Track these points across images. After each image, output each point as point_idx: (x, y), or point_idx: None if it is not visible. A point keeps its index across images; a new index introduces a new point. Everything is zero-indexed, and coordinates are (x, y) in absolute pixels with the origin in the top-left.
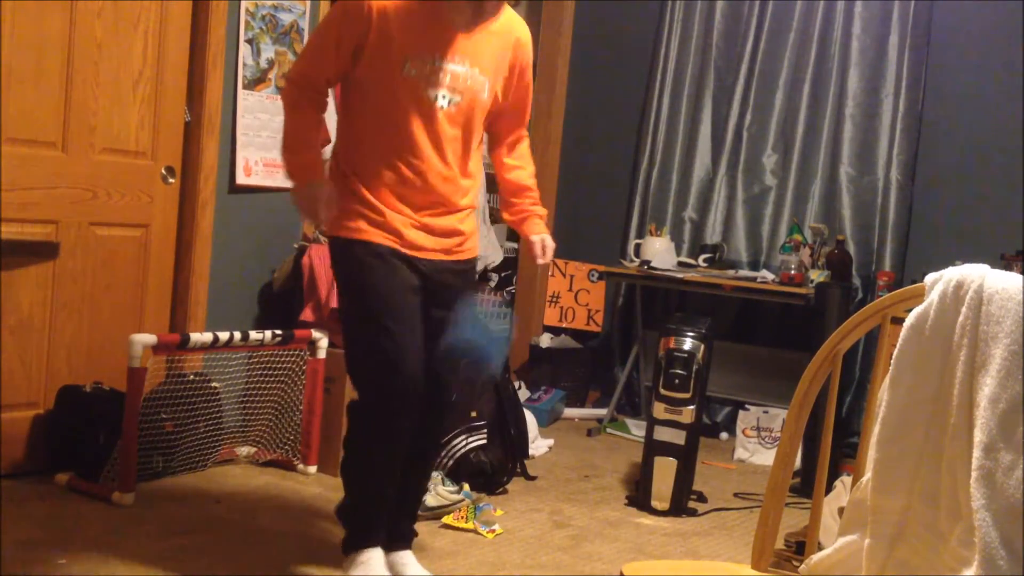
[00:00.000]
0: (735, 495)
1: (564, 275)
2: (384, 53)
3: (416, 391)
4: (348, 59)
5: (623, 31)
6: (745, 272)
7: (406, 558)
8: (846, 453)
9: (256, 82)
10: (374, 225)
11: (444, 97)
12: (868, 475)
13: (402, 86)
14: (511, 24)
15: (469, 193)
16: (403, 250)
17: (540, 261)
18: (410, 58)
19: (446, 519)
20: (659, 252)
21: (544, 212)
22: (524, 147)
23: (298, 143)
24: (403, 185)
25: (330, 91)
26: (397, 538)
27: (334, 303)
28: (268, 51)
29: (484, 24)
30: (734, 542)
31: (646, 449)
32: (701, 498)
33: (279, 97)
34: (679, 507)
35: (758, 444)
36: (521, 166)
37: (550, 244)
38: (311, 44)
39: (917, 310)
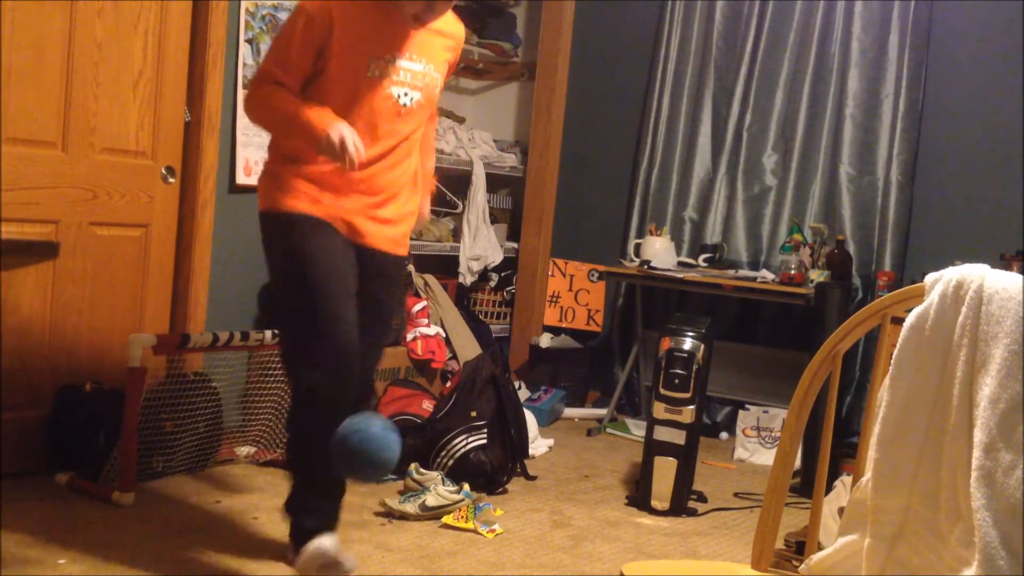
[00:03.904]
0: (735, 495)
1: (564, 275)
2: (349, 54)
3: (355, 360)
4: (311, 62)
5: (623, 31)
6: (745, 272)
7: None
8: (846, 453)
9: None
10: (315, 203)
11: (407, 95)
12: (868, 475)
13: (367, 86)
14: (452, 21)
15: (417, 191)
16: (346, 235)
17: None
18: (374, 59)
19: (446, 519)
20: (659, 252)
21: (433, 186)
22: (432, 124)
23: (295, 116)
24: (355, 178)
25: None
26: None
27: None
28: None
29: (432, 21)
30: (734, 542)
31: (646, 449)
32: (701, 498)
33: None
34: (679, 507)
35: (758, 444)
36: (426, 140)
37: (426, 215)
38: (277, 46)
39: (917, 310)
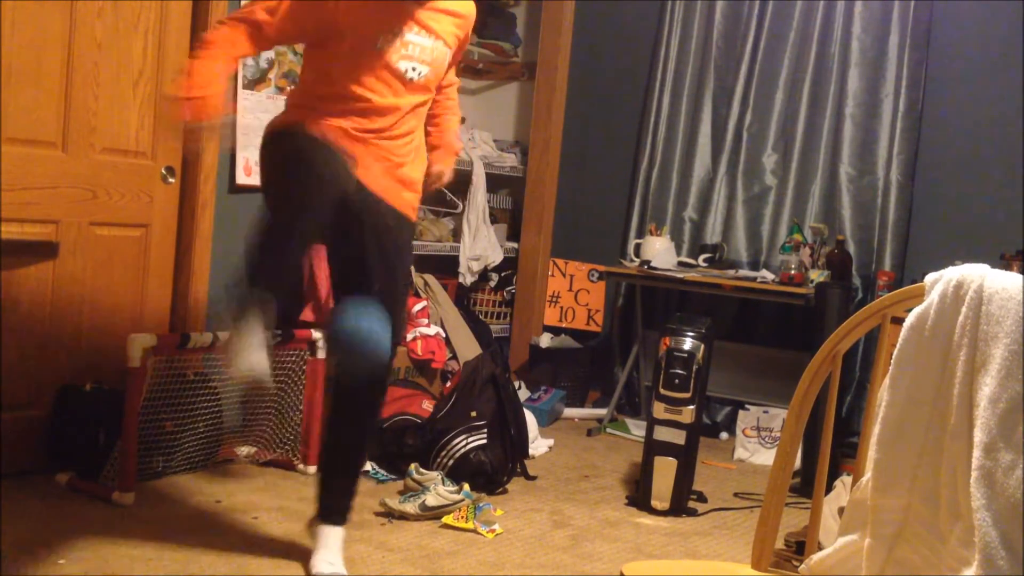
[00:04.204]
0: (735, 495)
1: (564, 275)
2: (358, 29)
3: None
4: (309, 27)
5: (623, 31)
6: (745, 272)
7: (331, 538)
8: (846, 453)
9: (256, 82)
10: (327, 131)
11: (415, 69)
12: (868, 475)
13: (375, 58)
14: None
15: (422, 161)
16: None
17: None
18: (381, 32)
19: (446, 519)
20: (659, 252)
21: (456, 146)
22: (453, 88)
23: (213, 70)
24: (367, 139)
25: None
26: (325, 511)
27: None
28: (268, 51)
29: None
30: (734, 542)
31: (646, 449)
32: (701, 498)
33: (279, 97)
34: (679, 507)
35: (758, 444)
36: (444, 100)
37: (446, 179)
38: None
39: (917, 310)
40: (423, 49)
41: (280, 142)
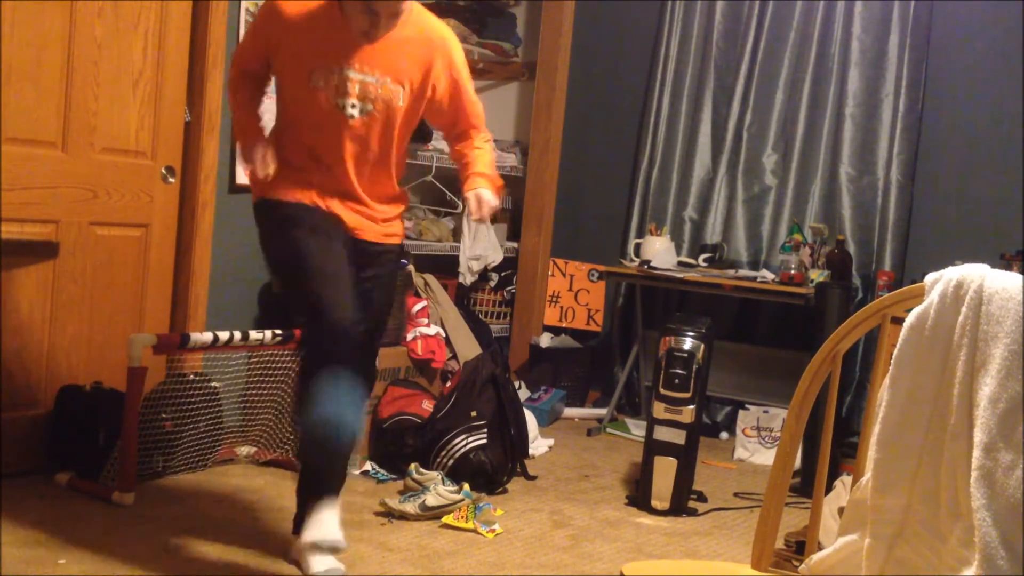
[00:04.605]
0: (735, 495)
1: (564, 275)
2: (292, 62)
3: (351, 333)
4: (264, 57)
5: (623, 31)
6: (745, 272)
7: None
8: (846, 453)
9: None
10: (301, 192)
11: (354, 107)
12: (868, 475)
13: (310, 96)
14: (428, 26)
15: (394, 208)
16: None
17: (475, 216)
18: (315, 69)
19: (446, 519)
20: (659, 252)
21: (491, 176)
22: (476, 138)
23: (242, 126)
24: (331, 180)
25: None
26: (314, 492)
27: None
28: None
29: (389, 32)
30: (734, 542)
31: (646, 449)
32: (701, 498)
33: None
34: (679, 507)
35: (758, 444)
36: (469, 147)
37: (487, 198)
38: (245, 33)
39: (917, 310)
40: (364, 86)
41: (266, 221)
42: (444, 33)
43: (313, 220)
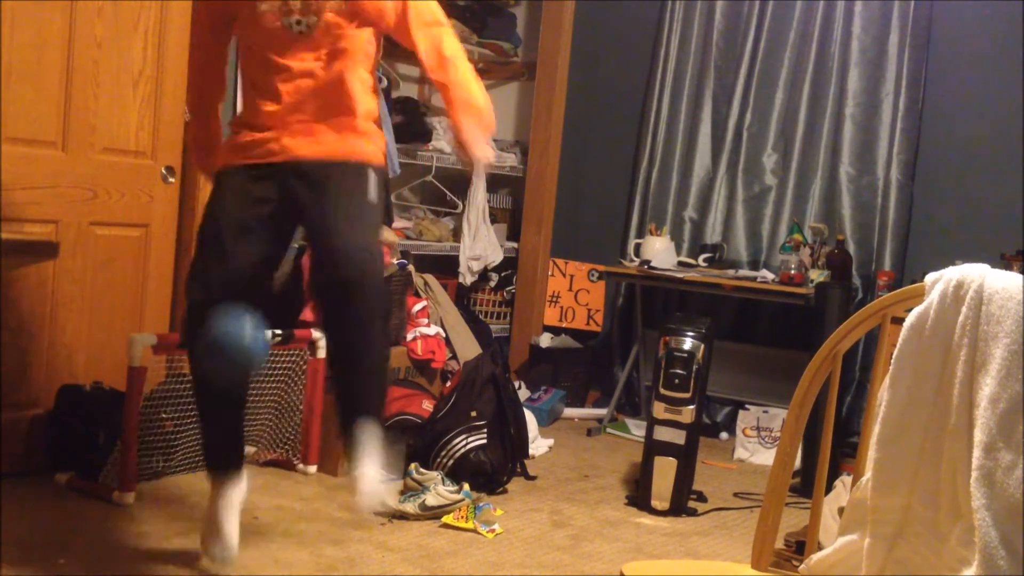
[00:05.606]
0: (735, 495)
1: (564, 275)
2: None
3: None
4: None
5: (623, 31)
6: (745, 272)
7: (365, 463)
8: (846, 453)
9: None
10: (230, 151)
11: (300, 23)
12: (868, 475)
13: (261, 21)
14: None
15: (361, 115)
16: (259, 160)
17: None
18: None
19: (446, 519)
20: (659, 252)
21: (476, 108)
22: (439, 40)
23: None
24: (275, 111)
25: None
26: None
27: None
28: None
29: None
30: (734, 542)
31: (646, 449)
32: (701, 498)
33: None
34: (679, 507)
35: (758, 444)
36: (441, 66)
37: (479, 155)
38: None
39: (917, 310)
40: (305, 2)
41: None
42: None
43: (225, 196)
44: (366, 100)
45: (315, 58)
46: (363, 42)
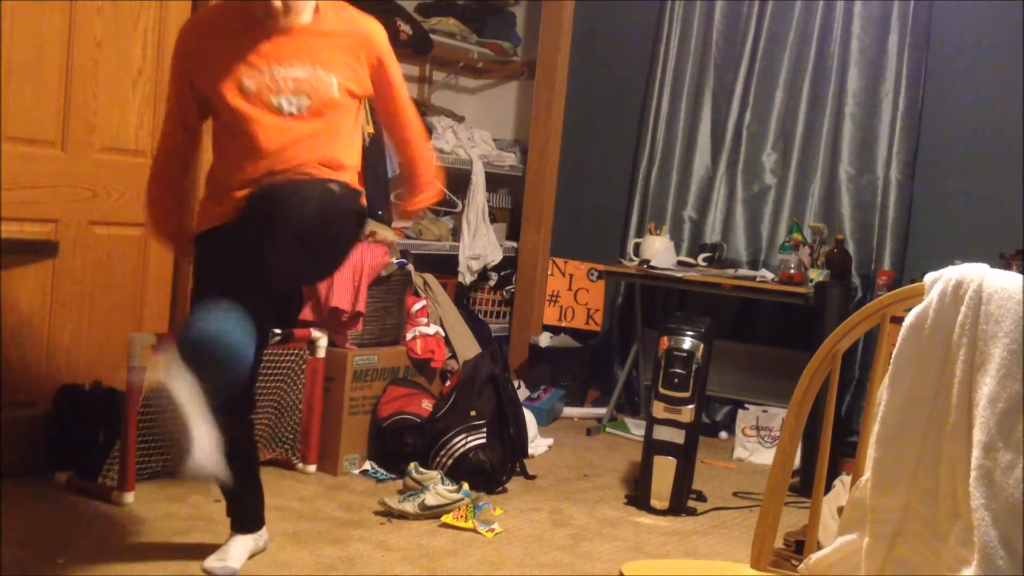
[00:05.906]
0: (734, 494)
1: (563, 274)
2: (215, 78)
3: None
4: (192, 99)
5: (623, 31)
6: (745, 271)
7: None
8: (845, 452)
9: None
10: (209, 211)
11: (290, 103)
12: (867, 474)
13: (244, 102)
14: (352, 19)
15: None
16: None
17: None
18: (243, 76)
19: (445, 518)
20: (659, 251)
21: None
22: (415, 149)
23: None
24: (249, 175)
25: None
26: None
27: (334, 302)
28: None
29: (291, 21)
30: (733, 541)
31: (645, 448)
32: (700, 497)
33: None
34: (678, 506)
35: (757, 443)
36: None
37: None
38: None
39: (916, 309)
40: (297, 81)
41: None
42: (366, 27)
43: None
44: (351, 156)
45: (305, 137)
46: (354, 110)
